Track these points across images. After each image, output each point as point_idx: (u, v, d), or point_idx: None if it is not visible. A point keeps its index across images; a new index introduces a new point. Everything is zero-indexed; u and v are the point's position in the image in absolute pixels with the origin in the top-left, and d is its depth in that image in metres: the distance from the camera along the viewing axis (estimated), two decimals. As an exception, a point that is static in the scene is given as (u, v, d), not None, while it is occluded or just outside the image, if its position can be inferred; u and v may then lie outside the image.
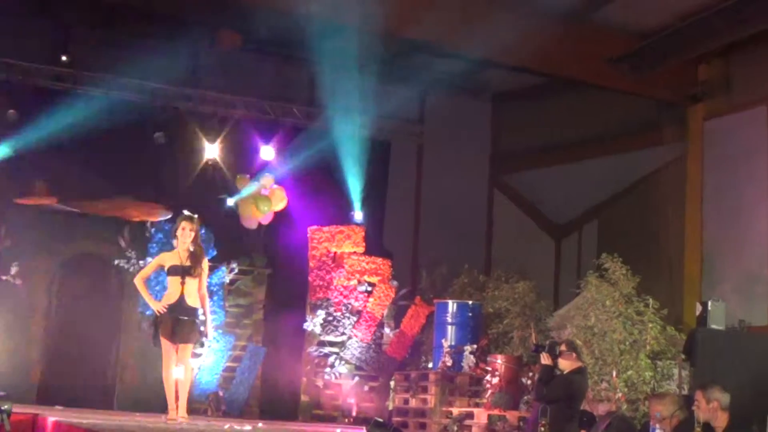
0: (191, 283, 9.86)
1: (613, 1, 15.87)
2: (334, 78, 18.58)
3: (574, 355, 10.86)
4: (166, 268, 9.99)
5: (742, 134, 16.83)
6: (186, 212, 10.16)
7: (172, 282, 9.90)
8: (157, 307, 9.86)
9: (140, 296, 15.95)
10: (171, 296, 9.87)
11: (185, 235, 9.88)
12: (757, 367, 12.34)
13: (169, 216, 15.48)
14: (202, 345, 11.10)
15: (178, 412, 9.90)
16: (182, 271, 9.82)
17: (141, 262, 15.94)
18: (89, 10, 16.46)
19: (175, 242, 10.05)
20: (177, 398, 9.95)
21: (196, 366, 15.55)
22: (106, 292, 16.40)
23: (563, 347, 10.67)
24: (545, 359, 10.52)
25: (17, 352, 15.50)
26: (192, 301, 9.87)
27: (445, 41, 16.81)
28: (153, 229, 16.13)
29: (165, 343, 9.86)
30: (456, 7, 15.45)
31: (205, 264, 10.12)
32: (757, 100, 16.60)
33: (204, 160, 17.15)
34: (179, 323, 9.78)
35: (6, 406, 8.03)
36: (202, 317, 10.06)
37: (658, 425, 8.50)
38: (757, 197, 16.35)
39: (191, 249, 9.90)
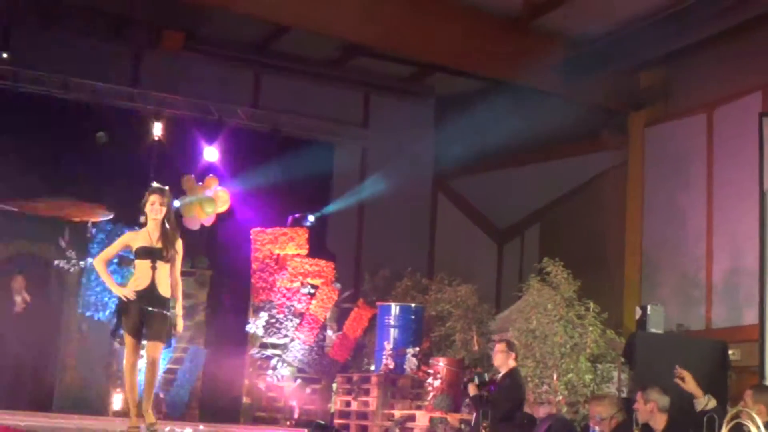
0: (163, 267, 8.36)
1: (555, 7, 15.97)
2: (279, 80, 18.59)
3: (513, 354, 10.95)
4: (133, 250, 8.45)
5: (682, 141, 17.05)
6: (156, 184, 8.76)
7: (141, 266, 8.36)
8: (122, 292, 8.31)
9: (80, 297, 15.96)
10: (140, 282, 8.32)
11: (155, 210, 8.38)
12: (694, 371, 12.44)
13: (110, 216, 15.40)
14: (170, 345, 8.83)
15: (146, 419, 8.34)
16: (153, 254, 8.33)
17: (81, 262, 15.85)
18: (30, 7, 16.31)
19: (143, 219, 8.67)
20: (138, 402, 8.46)
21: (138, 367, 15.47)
22: (45, 292, 16.24)
23: (503, 346, 10.71)
24: (472, 389, 10.58)
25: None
26: (164, 289, 8.37)
27: (389, 45, 16.87)
28: (94, 230, 16.00)
29: (128, 338, 8.35)
30: (400, 11, 15.45)
31: (179, 246, 8.56)
32: (696, 108, 16.85)
33: (146, 161, 17.02)
34: (148, 317, 8.28)
35: None
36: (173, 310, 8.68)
37: (597, 427, 8.56)
38: (696, 203, 16.58)
39: (163, 228, 8.45)
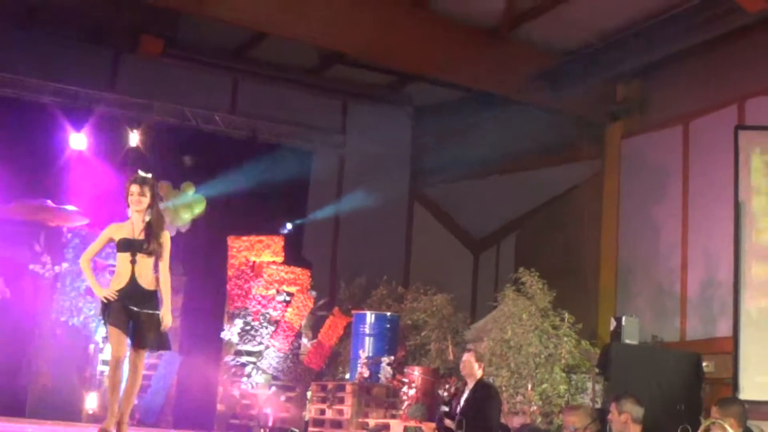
0: (144, 262, 7.79)
1: (533, 18, 16.02)
2: (257, 86, 18.60)
3: (482, 364, 10.99)
4: (115, 242, 7.88)
5: (658, 153, 17.12)
6: (140, 173, 8.18)
7: (122, 260, 7.82)
8: (103, 293, 7.76)
9: (56, 301, 15.89)
10: (120, 278, 7.78)
11: (134, 201, 7.81)
12: (668, 382, 12.56)
13: (86, 221, 15.34)
14: (161, 348, 8.20)
15: (120, 427, 7.69)
16: (133, 246, 7.76)
17: (56, 267, 15.77)
18: (9, 9, 16.27)
19: (129, 211, 7.99)
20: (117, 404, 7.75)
21: (108, 374, 15.43)
22: (20, 296, 16.19)
23: (471, 356, 10.72)
24: (449, 423, 10.62)
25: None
26: (146, 282, 7.79)
27: (368, 53, 16.95)
28: (69, 234, 15.95)
29: (115, 332, 7.71)
30: (379, 20, 15.50)
31: (165, 238, 7.95)
32: (672, 120, 16.92)
33: (123, 166, 16.98)
34: (135, 318, 7.71)
35: None
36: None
37: None
38: (671, 215, 16.63)
39: (146, 219, 7.87)
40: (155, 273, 7.88)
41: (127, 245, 7.78)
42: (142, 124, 17.47)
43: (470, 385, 10.58)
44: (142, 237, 7.80)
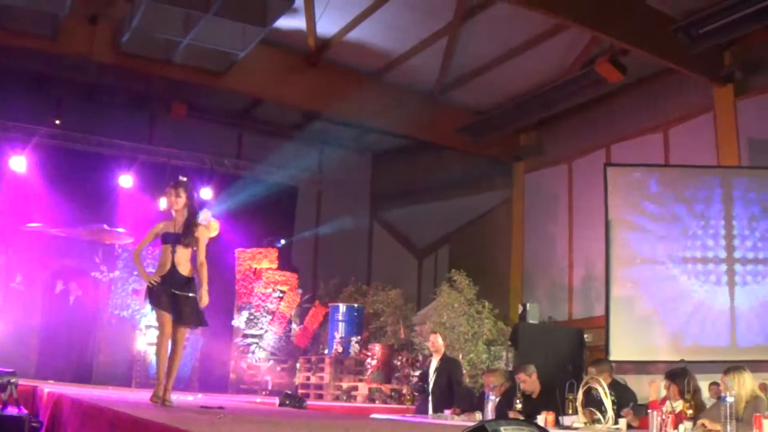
0: (182, 252, 7.27)
1: (458, 86, 16.13)
2: (256, 138, 18.63)
3: (446, 343, 11.09)
4: (161, 236, 7.40)
5: (551, 184, 17.22)
6: (180, 177, 7.84)
7: (164, 250, 7.33)
8: (148, 279, 7.29)
9: (111, 299, 15.93)
10: (163, 266, 7.30)
11: (171, 202, 7.36)
12: (560, 350, 12.68)
13: (132, 240, 15.36)
14: (203, 325, 7.60)
15: (166, 395, 7.15)
16: (173, 239, 7.28)
17: (111, 274, 15.80)
18: (76, 84, 16.39)
19: (171, 211, 7.46)
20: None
21: (151, 352, 15.47)
22: (86, 296, 16.21)
23: (438, 336, 10.73)
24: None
25: (21, 340, 15.11)
26: (184, 269, 7.27)
27: (338, 113, 16.92)
28: (120, 250, 16.00)
29: (160, 313, 7.30)
30: (345, 88, 15.54)
31: (202, 232, 7.35)
32: (560, 160, 17.05)
33: (159, 197, 16.96)
34: (176, 301, 7.23)
35: (14, 380, 7.87)
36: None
37: (490, 392, 8.62)
38: (560, 229, 16.79)
39: (185, 215, 7.37)
40: (192, 262, 7.37)
41: (169, 238, 7.32)
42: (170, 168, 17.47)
43: (436, 358, 10.48)
44: (180, 231, 7.31)
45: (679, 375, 7.46)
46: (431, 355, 10.86)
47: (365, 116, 16.86)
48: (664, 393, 7.73)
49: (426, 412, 9.90)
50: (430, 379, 10.35)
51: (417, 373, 13.10)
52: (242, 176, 18.56)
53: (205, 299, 7.25)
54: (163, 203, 15.78)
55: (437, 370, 10.32)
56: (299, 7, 13.60)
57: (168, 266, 7.26)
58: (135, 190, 16.76)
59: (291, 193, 19.92)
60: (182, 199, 7.38)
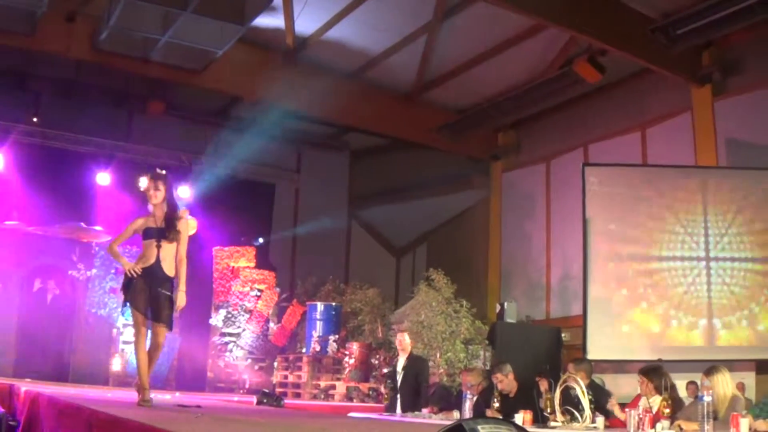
0: (168, 247, 6.96)
1: (436, 86, 16.16)
2: (233, 136, 18.57)
3: (413, 342, 11.09)
4: (141, 232, 7.08)
5: (528, 183, 17.27)
6: (156, 170, 7.38)
7: (148, 245, 7.00)
8: (129, 266, 6.91)
9: (88, 297, 15.83)
10: (147, 260, 6.95)
11: (151, 195, 7.04)
12: (537, 349, 12.72)
13: (109, 238, 15.26)
14: (170, 329, 7.08)
15: (144, 394, 6.79)
16: (157, 234, 6.97)
17: (88, 272, 15.72)
18: (54, 82, 16.29)
19: (149, 206, 7.13)
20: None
21: (129, 351, 15.39)
22: (63, 294, 16.12)
23: (405, 335, 10.79)
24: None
25: (-1, 339, 15.12)
26: (168, 267, 6.97)
27: (316, 111, 16.90)
28: (97, 248, 15.90)
29: (136, 315, 6.94)
30: (323, 87, 15.45)
31: (183, 226, 7.06)
32: (538, 159, 17.12)
33: (135, 195, 16.84)
34: (156, 299, 6.92)
35: None
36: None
37: (468, 391, 8.65)
38: (538, 228, 16.81)
39: (164, 210, 7.07)
40: (175, 260, 7.05)
41: (153, 233, 6.99)
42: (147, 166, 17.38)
43: (402, 357, 10.50)
44: (163, 226, 7.00)
45: (652, 371, 7.52)
46: (398, 354, 10.88)
47: (343, 115, 16.83)
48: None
49: (394, 410, 9.93)
50: (398, 377, 10.39)
51: (385, 370, 13.13)
52: (220, 174, 18.44)
53: (181, 301, 7.00)
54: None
55: (404, 368, 10.36)
56: (278, 6, 13.58)
57: (152, 260, 6.96)
58: (112, 188, 16.64)
59: (269, 191, 19.88)
60: (161, 192, 7.07)
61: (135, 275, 6.90)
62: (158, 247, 6.97)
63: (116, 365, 15.66)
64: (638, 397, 7.59)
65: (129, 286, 6.95)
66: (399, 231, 21.17)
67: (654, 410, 6.77)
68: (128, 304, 6.98)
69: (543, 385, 8.50)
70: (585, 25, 12.41)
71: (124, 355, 15.51)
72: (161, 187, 7.09)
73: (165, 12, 12.14)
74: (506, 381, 8.74)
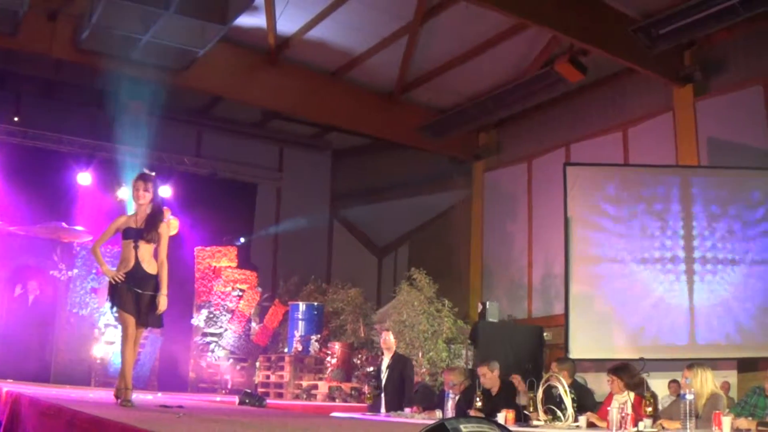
0: (145, 248, 6.92)
1: (418, 86, 16.19)
2: (215, 136, 18.54)
3: (397, 341, 11.07)
4: (122, 231, 7.04)
5: (510, 183, 17.30)
6: (145, 170, 7.40)
7: (126, 246, 6.96)
8: (112, 275, 6.87)
9: (69, 297, 15.72)
10: (127, 263, 6.92)
11: (139, 195, 7.00)
12: (520, 348, 12.72)
13: (91, 238, 15.19)
14: (157, 326, 7.19)
15: (126, 394, 6.74)
16: (135, 235, 6.93)
17: (69, 272, 15.60)
18: (36, 82, 16.24)
19: (134, 205, 7.15)
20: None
21: (111, 351, 15.31)
22: (44, 294, 16.00)
23: (391, 333, 10.74)
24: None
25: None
26: (148, 266, 6.93)
27: (298, 111, 16.91)
28: (78, 248, 15.80)
29: (124, 316, 6.87)
30: (306, 86, 15.58)
31: (164, 228, 7.01)
32: (520, 159, 17.16)
33: (118, 196, 16.80)
34: (140, 300, 6.89)
35: None
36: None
37: (450, 390, 8.65)
38: (520, 228, 16.84)
39: (148, 211, 7.03)
40: (156, 259, 7.02)
41: (131, 234, 6.95)
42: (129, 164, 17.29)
43: (387, 356, 10.47)
44: (143, 226, 6.96)
45: (620, 369, 7.53)
46: (383, 353, 10.86)
47: (325, 115, 16.82)
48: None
49: (379, 410, 9.92)
50: (382, 376, 10.36)
51: (369, 369, 13.12)
52: (201, 174, 18.46)
53: (163, 305, 6.94)
54: (123, 193, 15.82)
55: (389, 367, 10.33)
56: (259, 5, 13.58)
57: (132, 262, 6.92)
58: (93, 188, 16.54)
59: (250, 191, 19.86)
60: (149, 194, 7.05)
61: (119, 281, 6.88)
62: (135, 248, 6.93)
63: (98, 366, 15.52)
64: (610, 395, 7.59)
65: (115, 292, 6.94)
66: (381, 230, 21.21)
67: (628, 408, 6.76)
68: (117, 308, 6.96)
69: (516, 380, 8.52)
70: (566, 25, 12.45)
71: (107, 356, 15.41)
72: (150, 188, 7.09)
73: (147, 11, 12.09)
74: (490, 376, 8.72)
